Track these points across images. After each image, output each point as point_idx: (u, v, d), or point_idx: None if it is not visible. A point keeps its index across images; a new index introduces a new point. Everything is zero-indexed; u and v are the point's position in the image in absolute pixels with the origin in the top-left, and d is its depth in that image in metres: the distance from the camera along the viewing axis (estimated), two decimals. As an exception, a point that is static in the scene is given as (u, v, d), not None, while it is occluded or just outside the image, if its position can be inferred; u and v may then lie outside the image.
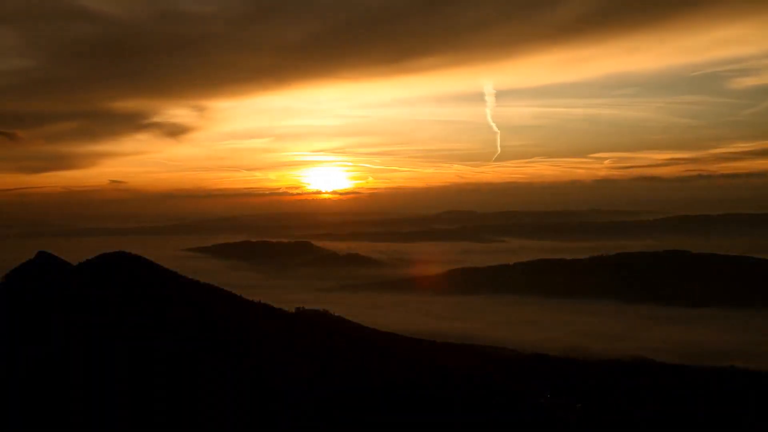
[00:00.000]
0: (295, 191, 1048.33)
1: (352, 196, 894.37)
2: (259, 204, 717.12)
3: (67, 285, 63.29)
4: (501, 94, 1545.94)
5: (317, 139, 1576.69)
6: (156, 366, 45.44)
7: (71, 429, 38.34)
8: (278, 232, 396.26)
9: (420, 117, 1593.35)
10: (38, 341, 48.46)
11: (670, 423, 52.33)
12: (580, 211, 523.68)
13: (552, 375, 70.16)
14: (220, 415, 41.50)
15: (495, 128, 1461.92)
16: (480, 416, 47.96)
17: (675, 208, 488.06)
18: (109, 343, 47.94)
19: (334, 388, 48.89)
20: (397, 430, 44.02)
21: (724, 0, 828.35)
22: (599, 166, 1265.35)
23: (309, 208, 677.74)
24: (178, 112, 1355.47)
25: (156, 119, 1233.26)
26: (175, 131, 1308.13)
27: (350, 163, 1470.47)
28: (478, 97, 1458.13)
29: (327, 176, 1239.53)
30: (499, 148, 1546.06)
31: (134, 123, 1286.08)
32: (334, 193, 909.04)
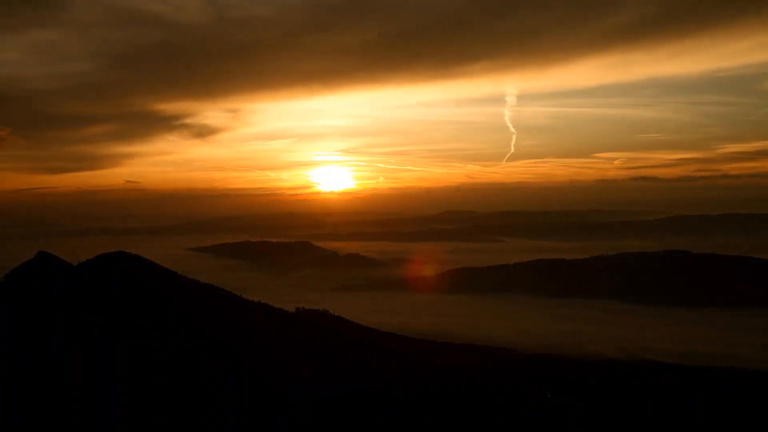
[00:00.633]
0: (293, 191, 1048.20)
1: (352, 196, 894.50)
2: (260, 204, 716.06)
3: (67, 285, 63.24)
4: (524, 98, 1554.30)
5: (338, 139, 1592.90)
6: (156, 366, 45.43)
7: (71, 429, 38.34)
8: (278, 232, 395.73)
9: (441, 118, 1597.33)
10: (38, 341, 48.44)
11: (670, 423, 52.31)
12: (580, 211, 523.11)
13: (552, 375, 70.16)
14: (220, 415, 41.51)
15: (512, 129, 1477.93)
16: (480, 416, 47.95)
17: (675, 208, 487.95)
18: (109, 343, 47.91)
19: (334, 388, 48.89)
20: (397, 430, 44.02)
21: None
22: (609, 166, 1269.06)
23: (309, 208, 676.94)
24: (211, 114, 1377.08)
25: (188, 121, 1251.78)
26: (204, 132, 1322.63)
27: (363, 163, 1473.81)
28: (507, 100, 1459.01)
29: (338, 176, 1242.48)
30: (512, 148, 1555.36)
31: (166, 124, 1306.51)
32: (331, 193, 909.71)
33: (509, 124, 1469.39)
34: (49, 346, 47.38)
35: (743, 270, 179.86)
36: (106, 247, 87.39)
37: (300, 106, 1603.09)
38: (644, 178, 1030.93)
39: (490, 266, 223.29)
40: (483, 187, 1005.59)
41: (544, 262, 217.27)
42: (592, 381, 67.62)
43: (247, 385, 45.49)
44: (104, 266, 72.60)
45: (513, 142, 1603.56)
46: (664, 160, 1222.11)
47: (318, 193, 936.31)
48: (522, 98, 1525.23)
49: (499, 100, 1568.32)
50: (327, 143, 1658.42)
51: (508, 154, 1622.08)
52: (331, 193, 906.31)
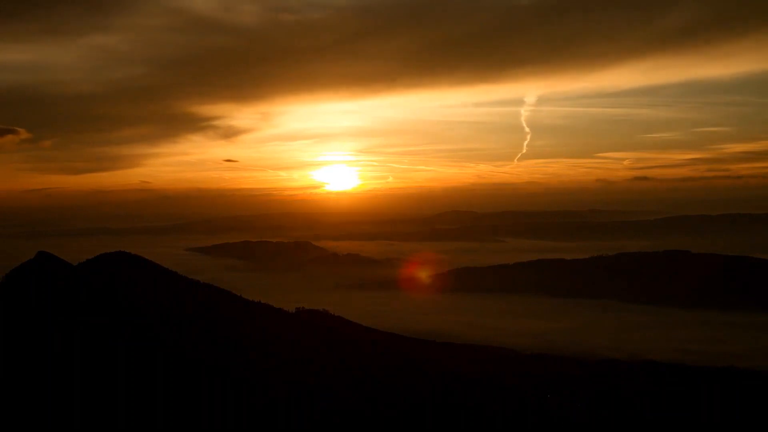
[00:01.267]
0: (296, 191, 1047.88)
1: (355, 196, 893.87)
2: (261, 204, 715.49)
3: (67, 285, 63.26)
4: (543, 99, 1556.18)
5: (355, 140, 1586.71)
6: (156, 366, 45.46)
7: (71, 429, 38.35)
8: (278, 232, 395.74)
9: (458, 118, 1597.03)
10: (38, 341, 48.43)
11: (670, 423, 52.32)
12: (580, 211, 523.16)
13: (552, 375, 70.12)
14: (220, 415, 41.54)
15: (527, 128, 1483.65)
16: (480, 416, 47.97)
17: (675, 208, 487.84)
18: (109, 343, 47.94)
19: (335, 388, 48.92)
20: (397, 430, 44.05)
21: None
22: (618, 166, 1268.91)
23: (311, 207, 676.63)
24: (240, 116, 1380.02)
25: (216, 122, 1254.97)
26: (230, 133, 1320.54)
27: (375, 163, 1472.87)
28: (525, 101, 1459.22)
29: (348, 176, 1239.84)
30: (524, 148, 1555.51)
31: (193, 126, 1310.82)
32: (336, 192, 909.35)
33: (524, 125, 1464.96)
34: (49, 347, 47.38)
35: (743, 270, 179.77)
36: (106, 247, 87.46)
37: (326, 108, 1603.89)
38: (644, 179, 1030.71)
39: (490, 266, 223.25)
40: (489, 188, 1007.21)
41: (544, 262, 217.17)
42: (592, 381, 67.59)
43: (247, 385, 45.53)
44: (104, 266, 72.67)
45: (526, 143, 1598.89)
46: (674, 161, 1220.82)
47: (322, 192, 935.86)
48: (541, 100, 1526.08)
49: (518, 101, 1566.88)
50: (344, 144, 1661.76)
51: (519, 154, 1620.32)
52: (336, 192, 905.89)
